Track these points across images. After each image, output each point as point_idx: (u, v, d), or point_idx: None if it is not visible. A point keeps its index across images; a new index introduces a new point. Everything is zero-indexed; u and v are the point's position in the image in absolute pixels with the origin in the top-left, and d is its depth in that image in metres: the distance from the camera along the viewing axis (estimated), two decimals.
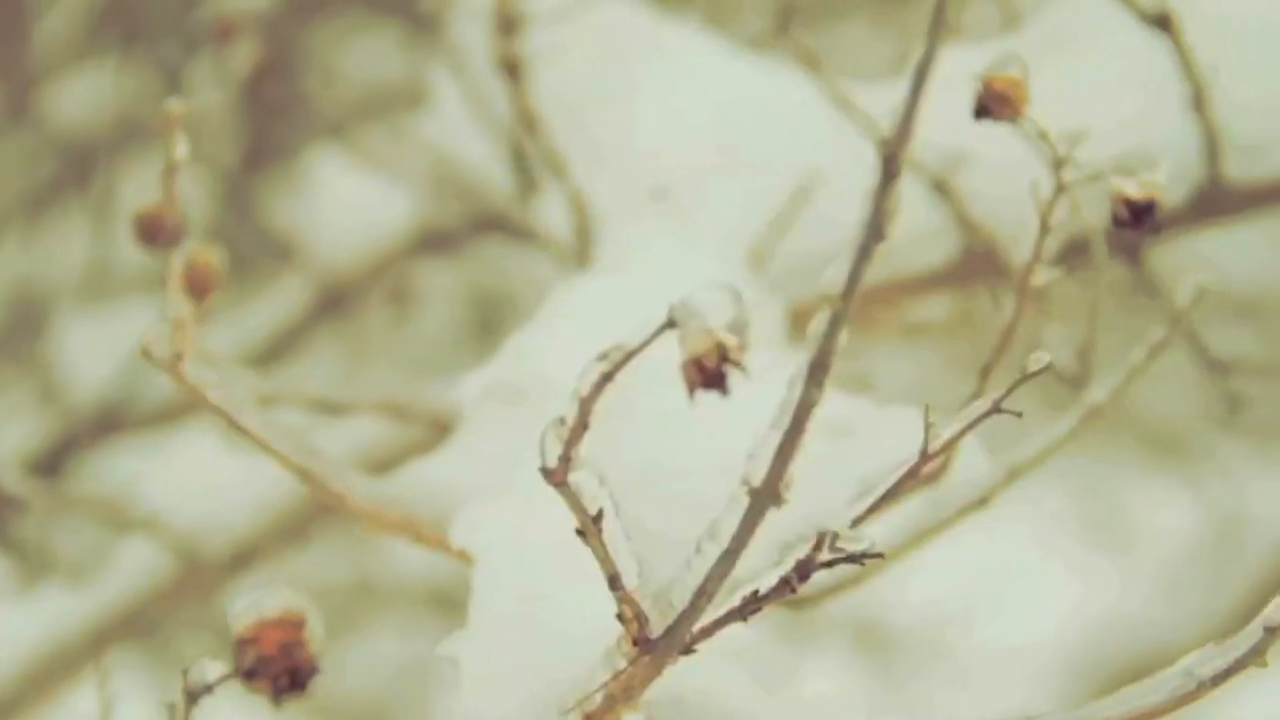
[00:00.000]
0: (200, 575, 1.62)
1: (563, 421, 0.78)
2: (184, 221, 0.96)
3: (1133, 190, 1.02)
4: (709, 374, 0.74)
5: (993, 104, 1.02)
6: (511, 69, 1.33)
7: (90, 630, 1.63)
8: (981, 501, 1.07)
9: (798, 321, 1.38)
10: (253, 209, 2.04)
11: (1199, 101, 1.25)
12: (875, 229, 0.74)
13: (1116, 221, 1.03)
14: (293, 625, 0.70)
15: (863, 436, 1.04)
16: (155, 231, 1.01)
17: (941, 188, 1.29)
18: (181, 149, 0.93)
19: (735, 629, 0.83)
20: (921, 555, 1.10)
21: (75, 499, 1.84)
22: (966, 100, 1.25)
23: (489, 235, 1.79)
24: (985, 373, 1.06)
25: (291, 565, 1.86)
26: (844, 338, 0.76)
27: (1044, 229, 1.04)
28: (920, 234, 1.38)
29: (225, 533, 1.62)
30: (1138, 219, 1.02)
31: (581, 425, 0.78)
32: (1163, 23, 1.23)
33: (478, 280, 2.16)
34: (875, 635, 3.59)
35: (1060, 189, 1.03)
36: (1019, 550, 4.03)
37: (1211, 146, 1.28)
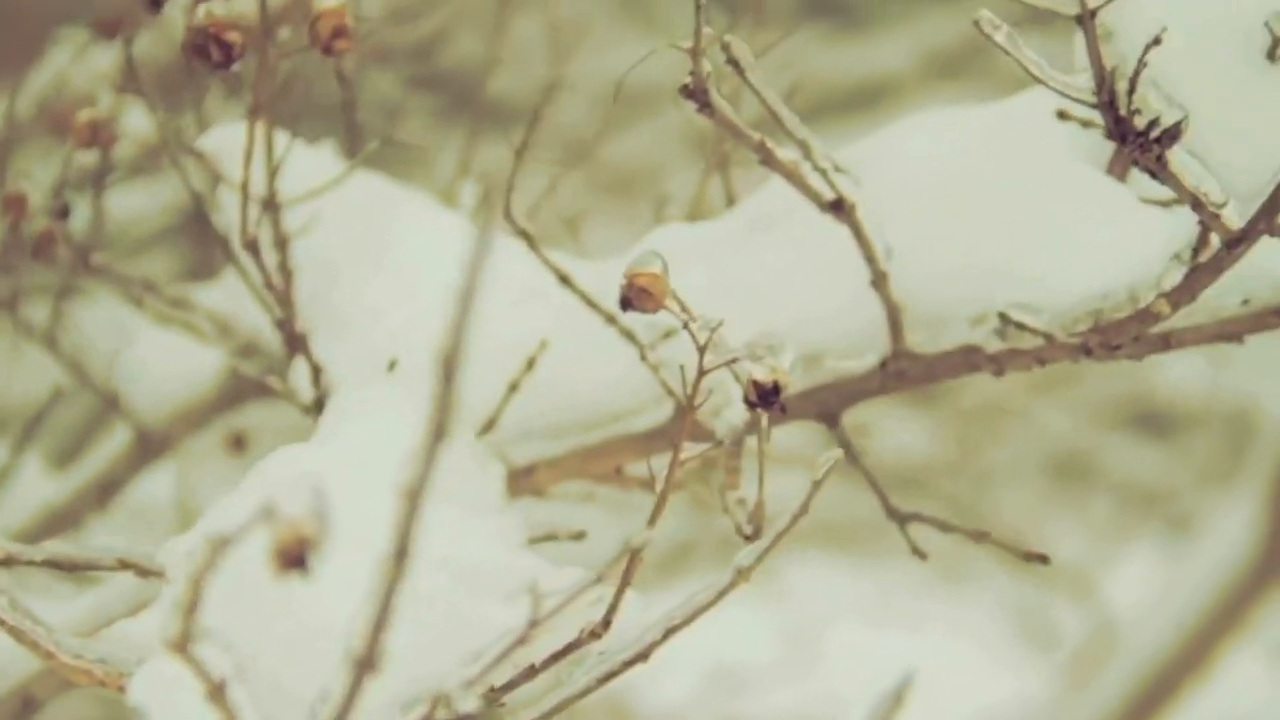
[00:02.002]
0: None
1: (180, 595, 0.87)
2: None
3: (760, 374, 1.12)
4: (291, 559, 0.84)
5: (635, 297, 1.13)
6: (253, 249, 1.43)
7: None
8: (642, 656, 1.17)
9: (515, 481, 1.48)
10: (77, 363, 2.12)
11: (878, 280, 1.36)
12: (439, 428, 0.84)
13: (747, 402, 1.14)
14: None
15: (536, 595, 1.13)
16: None
17: (647, 358, 1.40)
18: None
19: None
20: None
21: None
22: (697, 275, 1.37)
23: (264, 396, 1.89)
24: (650, 523, 1.16)
25: None
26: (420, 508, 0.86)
27: (689, 408, 1.14)
28: (641, 399, 1.48)
29: None
30: (765, 400, 1.13)
31: (193, 601, 0.87)
32: (839, 208, 1.34)
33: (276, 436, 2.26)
34: None
35: (701, 372, 1.13)
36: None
37: (894, 320, 1.39)
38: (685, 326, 1.12)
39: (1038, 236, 1.34)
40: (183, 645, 0.88)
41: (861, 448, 1.46)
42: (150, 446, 2.05)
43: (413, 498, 0.84)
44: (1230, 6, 1.19)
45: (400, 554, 0.85)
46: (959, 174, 1.38)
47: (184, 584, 0.87)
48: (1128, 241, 1.29)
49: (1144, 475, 5.21)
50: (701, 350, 1.13)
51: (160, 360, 2.07)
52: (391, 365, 1.43)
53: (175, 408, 2.09)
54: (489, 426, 1.45)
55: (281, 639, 1.05)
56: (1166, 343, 1.36)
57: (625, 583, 1.15)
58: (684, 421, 1.13)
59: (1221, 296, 1.36)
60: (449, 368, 0.83)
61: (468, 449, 1.39)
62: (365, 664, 0.88)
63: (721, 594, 1.17)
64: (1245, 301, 1.35)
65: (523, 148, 1.44)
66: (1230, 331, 1.35)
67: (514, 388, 1.44)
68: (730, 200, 1.58)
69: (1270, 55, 1.19)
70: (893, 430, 5.09)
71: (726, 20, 1.82)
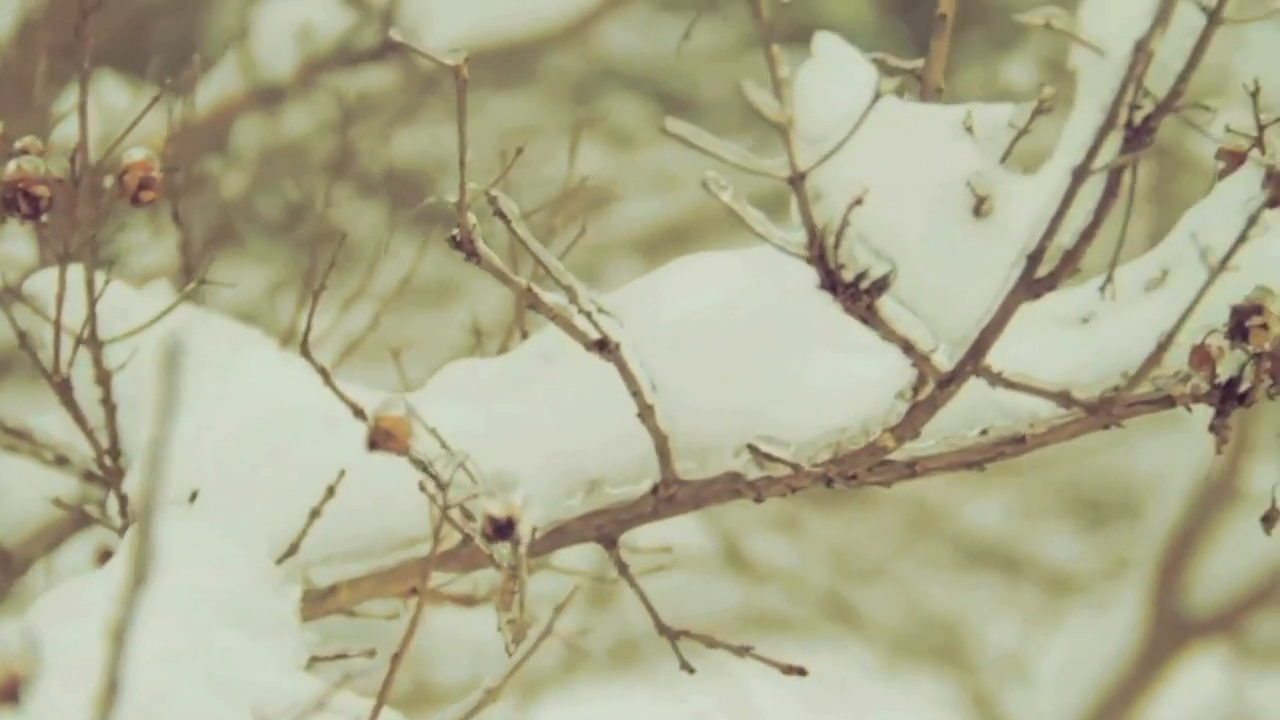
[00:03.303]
0: None
1: None
2: None
3: (495, 509, 1.22)
4: (3, 694, 0.93)
5: (379, 439, 1.23)
6: (64, 389, 1.53)
7: None
8: None
9: (319, 602, 1.58)
10: None
11: (644, 413, 1.46)
12: (139, 572, 0.93)
13: (485, 535, 1.24)
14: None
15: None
16: None
17: (426, 489, 1.49)
18: None
19: None
20: None
21: None
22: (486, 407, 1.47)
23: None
24: (404, 643, 1.25)
25: None
26: None
27: (435, 541, 1.24)
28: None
29: None
30: (501, 532, 1.23)
31: None
32: (604, 347, 1.44)
33: None
34: None
35: (444, 508, 1.23)
36: None
37: (662, 450, 1.49)
38: (425, 470, 1.22)
39: (786, 373, 1.44)
40: None
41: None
42: (12, 566, 2.14)
43: (118, 637, 0.93)
44: (936, 169, 1.30)
45: (109, 690, 0.94)
46: (720, 313, 1.48)
47: None
48: (862, 379, 1.40)
49: (1067, 562, 5.32)
50: (444, 487, 1.23)
51: (19, 481, 2.16)
52: (192, 497, 1.53)
53: (36, 527, 2.18)
54: (291, 551, 1.54)
55: None
56: (912, 470, 1.46)
57: (382, 700, 1.25)
58: (432, 554, 1.23)
59: (963, 427, 1.46)
60: (146, 515, 0.92)
61: (264, 573, 1.49)
62: None
63: (471, 714, 1.26)
64: (983, 432, 1.46)
65: (319, 288, 1.54)
66: (971, 459, 1.46)
67: (315, 514, 1.53)
68: (524, 334, 1.68)
69: (976, 212, 1.30)
70: (836, 527, 5.22)
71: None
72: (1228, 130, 1.44)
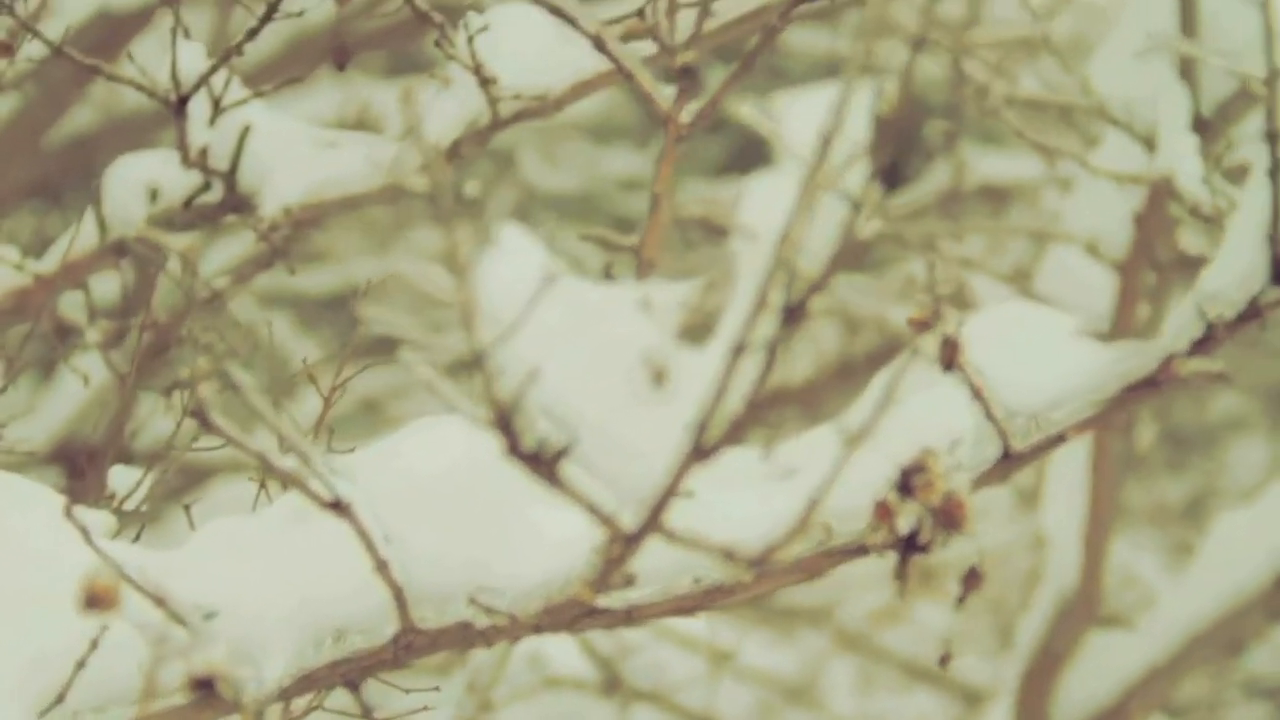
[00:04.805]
0: None
1: None
2: None
3: (196, 666, 1.33)
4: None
5: (90, 603, 1.34)
6: None
7: None
8: None
9: None
10: None
11: (379, 566, 1.57)
12: None
13: (190, 691, 1.34)
14: None
15: None
16: None
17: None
18: None
19: None
20: None
21: None
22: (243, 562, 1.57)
23: None
24: None
25: None
26: None
27: (144, 699, 1.34)
28: None
29: None
30: (202, 689, 1.33)
31: None
32: (337, 507, 1.55)
33: None
34: None
35: (151, 666, 1.34)
36: None
37: (398, 600, 1.60)
38: (142, 629, 1.33)
39: (506, 528, 1.56)
40: None
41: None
42: None
43: None
44: (617, 344, 1.42)
45: None
46: (450, 471, 1.60)
47: None
48: (568, 535, 1.51)
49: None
50: (158, 644, 1.33)
51: None
52: None
53: None
54: (59, 699, 1.64)
55: None
56: (630, 617, 1.57)
57: None
58: (142, 713, 1.33)
59: (676, 575, 1.58)
60: None
61: None
62: None
63: None
64: (696, 580, 1.57)
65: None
66: (685, 606, 1.57)
67: (80, 665, 1.64)
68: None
69: (653, 382, 1.42)
70: (761, 651, 5.32)
71: None
72: (915, 299, 1.57)
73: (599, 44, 1.60)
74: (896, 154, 1.62)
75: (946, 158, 4.53)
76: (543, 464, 1.38)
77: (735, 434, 1.39)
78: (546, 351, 1.38)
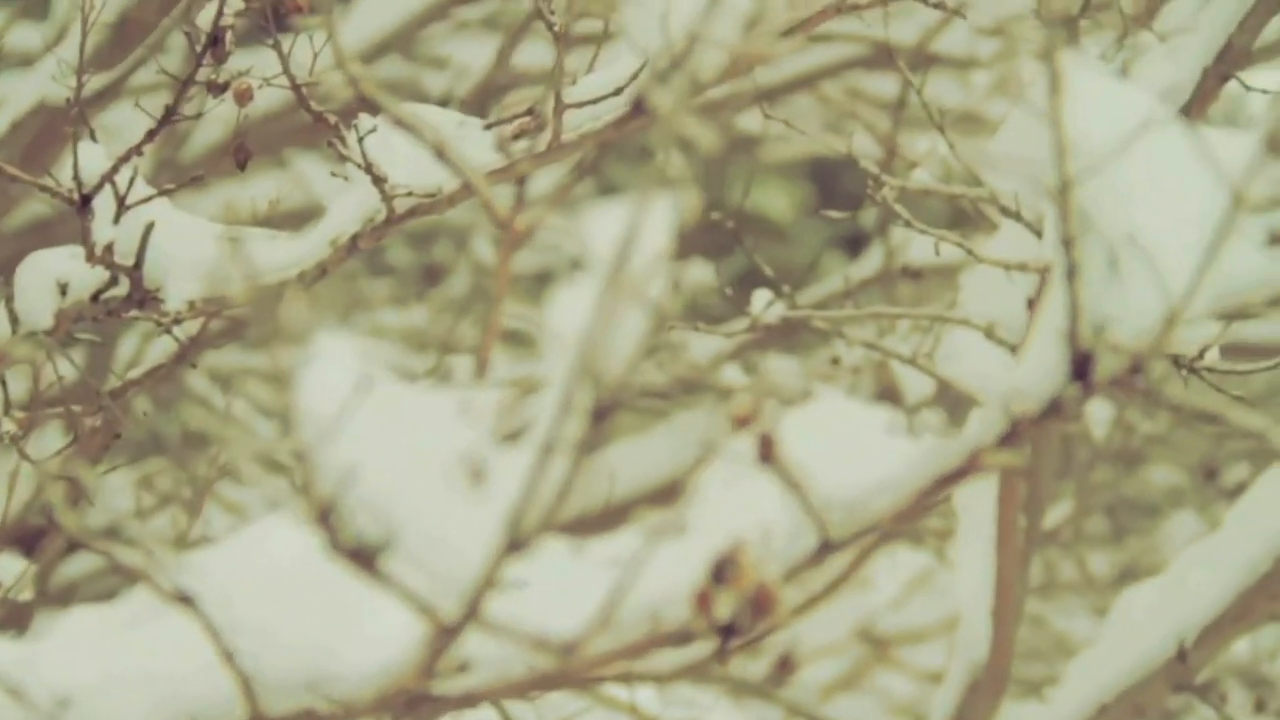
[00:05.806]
0: None
1: None
2: None
3: None
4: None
5: None
6: None
7: None
8: None
9: None
10: None
11: (224, 656, 1.65)
12: None
13: None
14: None
15: None
16: None
17: None
18: None
19: None
20: None
21: None
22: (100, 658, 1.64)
23: None
24: None
25: None
26: None
27: None
28: None
29: None
30: None
31: None
32: (184, 601, 1.63)
33: None
34: None
35: None
36: None
37: (245, 688, 1.67)
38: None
39: (349, 615, 1.64)
40: None
41: None
42: None
43: None
44: (437, 444, 1.50)
45: None
46: (300, 561, 1.67)
47: None
48: (401, 623, 1.59)
49: None
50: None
51: None
52: None
53: None
54: None
55: None
56: (470, 700, 1.65)
57: None
58: None
59: (510, 661, 1.65)
60: None
61: None
62: None
63: None
64: (530, 666, 1.65)
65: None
66: (518, 690, 1.65)
67: None
68: None
69: (471, 480, 1.50)
70: None
71: None
72: (740, 393, 1.65)
73: (439, 152, 1.69)
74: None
75: (879, 240, 4.63)
76: (362, 558, 1.46)
77: (545, 529, 1.47)
78: (365, 452, 1.46)
